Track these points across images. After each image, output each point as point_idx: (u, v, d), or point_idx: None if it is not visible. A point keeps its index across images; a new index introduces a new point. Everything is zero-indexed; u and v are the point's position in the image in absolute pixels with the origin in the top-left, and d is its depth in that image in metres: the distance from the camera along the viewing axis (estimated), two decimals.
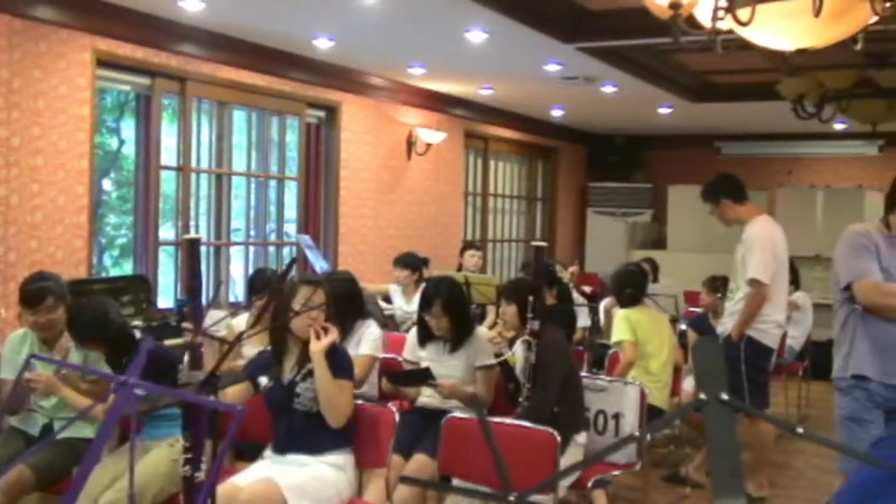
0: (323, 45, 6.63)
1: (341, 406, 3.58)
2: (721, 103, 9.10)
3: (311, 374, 3.60)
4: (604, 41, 6.44)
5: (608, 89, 8.32)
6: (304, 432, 3.61)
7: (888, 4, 3.23)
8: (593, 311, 6.97)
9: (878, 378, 3.64)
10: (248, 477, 3.49)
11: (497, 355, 4.25)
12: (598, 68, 7.29)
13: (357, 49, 6.92)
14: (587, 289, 8.10)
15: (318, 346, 3.54)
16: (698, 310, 7.08)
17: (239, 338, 2.98)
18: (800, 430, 0.97)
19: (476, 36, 6.19)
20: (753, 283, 5.09)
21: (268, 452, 3.72)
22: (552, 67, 7.29)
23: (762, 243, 5.15)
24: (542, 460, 3.51)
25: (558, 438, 3.55)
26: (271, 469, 3.54)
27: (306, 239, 6.93)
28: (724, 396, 0.88)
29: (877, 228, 3.74)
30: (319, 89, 7.57)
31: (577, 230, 12.42)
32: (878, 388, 3.62)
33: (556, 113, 10.33)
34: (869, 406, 3.65)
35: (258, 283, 5.08)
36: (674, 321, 6.45)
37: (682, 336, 6.56)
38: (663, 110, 9.72)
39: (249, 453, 4.06)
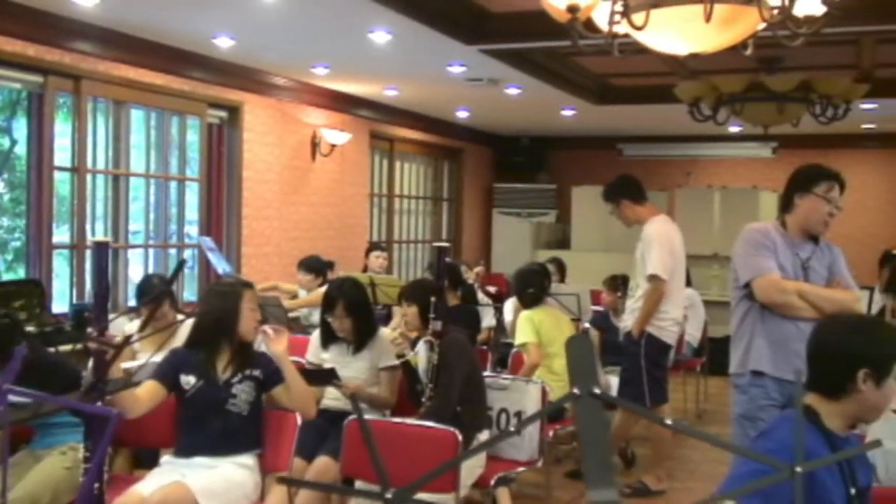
0: (224, 43, 6.52)
1: (310, 398, 3.74)
2: (622, 105, 9.29)
3: (250, 377, 3.59)
4: (506, 43, 6.51)
5: (512, 91, 8.40)
6: (234, 432, 3.56)
7: (775, 11, 3.36)
8: (498, 311, 7.03)
9: (774, 373, 3.74)
10: (154, 483, 3.40)
11: (399, 356, 4.25)
12: (501, 70, 7.36)
13: (259, 48, 6.84)
14: (492, 289, 8.16)
15: (280, 347, 3.58)
16: (601, 308, 7.21)
17: (126, 342, 2.91)
18: (668, 420, 0.99)
19: (379, 37, 6.18)
20: (653, 279, 5.22)
21: (168, 458, 3.63)
22: (456, 69, 7.33)
23: (660, 241, 5.29)
24: (445, 459, 3.52)
25: (460, 437, 3.57)
26: (178, 472, 3.46)
27: (208, 241, 6.80)
28: (596, 390, 0.90)
29: (774, 227, 3.86)
30: (221, 89, 7.45)
31: (483, 231, 12.52)
32: (774, 384, 3.73)
33: (462, 114, 10.39)
34: (764, 405, 3.75)
35: (146, 289, 4.96)
36: (577, 320, 6.56)
37: (584, 335, 6.68)
38: (566, 112, 9.87)
39: (150, 459, 3.97)
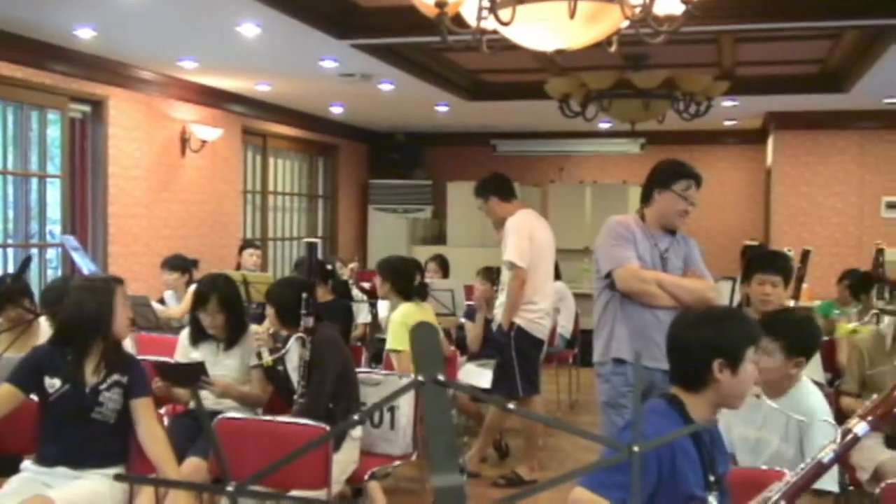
0: (85, 34, 6.28)
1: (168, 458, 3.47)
2: (495, 102, 9.39)
3: (118, 384, 3.42)
4: (377, 38, 6.48)
5: (386, 87, 8.39)
6: (97, 443, 3.40)
7: (637, 9, 3.45)
8: (374, 307, 7.01)
9: (634, 361, 3.87)
10: (13, 494, 3.23)
11: (258, 355, 4.23)
12: (374, 66, 7.33)
13: (122, 40, 6.61)
14: (366, 285, 8.12)
15: None
16: (474, 303, 7.25)
17: None
18: (511, 405, 1.00)
19: (248, 30, 6.07)
20: (510, 266, 5.34)
21: (28, 464, 3.46)
22: (328, 64, 7.27)
23: (518, 230, 5.41)
24: (317, 456, 3.49)
25: None
26: (40, 483, 3.30)
27: (71, 240, 6.53)
28: (441, 377, 0.89)
29: (634, 220, 3.97)
30: (83, 82, 7.17)
31: (359, 227, 12.47)
32: (634, 371, 3.85)
33: (336, 110, 10.32)
34: (625, 391, 3.86)
35: None
36: (451, 315, 6.60)
37: (460, 329, 6.73)
38: (440, 108, 9.92)
39: (10, 466, 3.77)
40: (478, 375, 6.03)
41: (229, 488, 0.85)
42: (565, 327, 7.62)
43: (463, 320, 6.79)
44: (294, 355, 4.19)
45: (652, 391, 3.80)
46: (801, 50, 7.53)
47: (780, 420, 3.19)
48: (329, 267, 6.41)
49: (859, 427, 2.26)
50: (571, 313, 7.75)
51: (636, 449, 0.88)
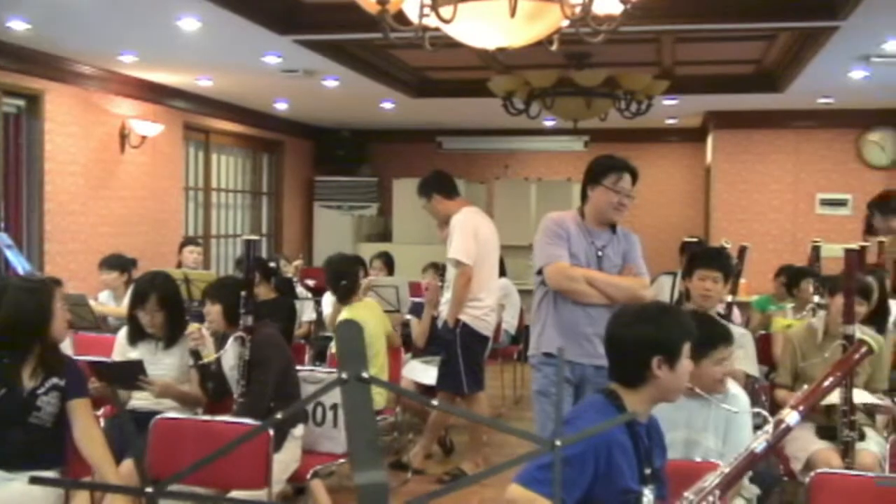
0: (18, 27, 6.14)
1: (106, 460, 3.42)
2: (440, 99, 9.39)
3: (55, 387, 3.36)
4: (320, 34, 6.44)
5: (330, 83, 8.34)
6: (34, 446, 3.33)
7: (577, 9, 3.48)
8: (318, 305, 6.98)
9: (558, 356, 3.89)
10: None
11: (193, 353, 4.20)
12: (317, 62, 7.29)
13: (59, 34, 6.48)
14: (311, 282, 8.08)
15: None
16: (420, 300, 7.27)
17: None
18: (434, 402, 1.00)
19: (188, 24, 5.99)
20: (455, 263, 5.37)
21: None
22: (271, 59, 7.20)
23: (463, 227, 5.43)
24: (256, 456, 3.47)
25: (272, 433, 3.52)
26: None
27: (4, 238, 6.40)
28: (364, 374, 0.90)
29: (573, 217, 4.01)
30: (17, 76, 7.01)
31: (304, 224, 12.39)
32: (565, 365, 3.90)
33: (280, 106, 10.23)
34: (556, 381, 3.92)
35: None
36: (396, 312, 6.59)
37: (405, 326, 6.73)
38: (386, 105, 9.90)
39: None
40: (422, 372, 6.04)
41: (148, 489, 0.84)
42: (510, 323, 7.67)
43: (408, 317, 6.80)
44: (231, 354, 4.16)
45: (584, 386, 3.87)
46: (738, 50, 7.66)
47: (704, 414, 3.23)
48: (272, 265, 6.37)
49: (791, 417, 2.32)
50: (516, 309, 7.80)
51: (558, 443, 0.89)
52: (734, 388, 3.30)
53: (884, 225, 6.14)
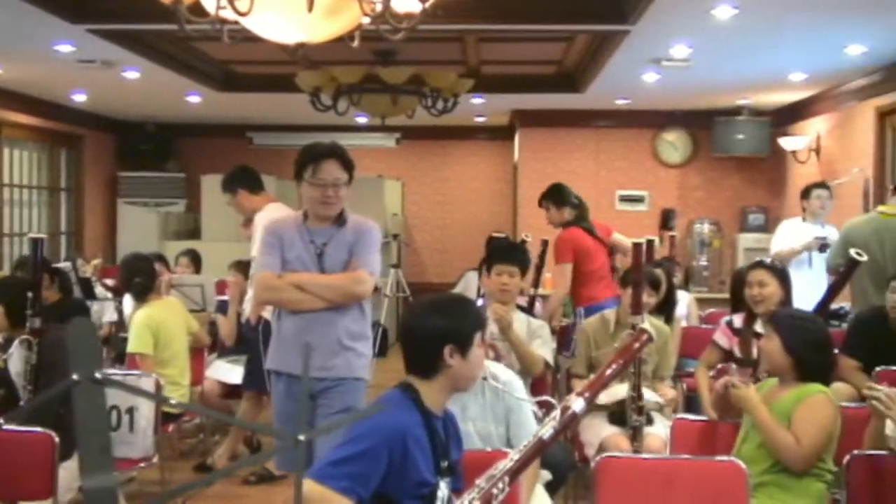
0: None
1: None
2: (247, 93, 9.22)
3: None
4: (115, 24, 6.18)
5: (130, 74, 8.02)
6: None
7: (377, 6, 3.49)
8: (119, 305, 6.70)
9: (283, 369, 3.78)
10: None
11: None
12: (115, 52, 6.99)
13: None
14: (110, 282, 7.75)
15: None
16: (226, 298, 7.11)
17: None
18: (173, 401, 0.99)
19: None
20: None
21: None
22: (64, 48, 6.84)
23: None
24: (41, 464, 3.30)
25: (56, 440, 3.36)
26: None
27: None
28: (98, 376, 0.87)
29: (295, 219, 3.84)
30: None
31: (108, 222, 11.87)
32: (286, 380, 3.78)
33: (79, 98, 9.74)
34: (287, 402, 3.78)
35: None
36: (202, 311, 6.43)
37: (212, 325, 6.57)
38: (192, 98, 9.62)
39: None
40: (228, 371, 5.93)
41: None
42: None
43: (215, 315, 6.65)
44: (17, 359, 3.94)
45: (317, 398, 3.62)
46: (540, 51, 7.93)
47: (480, 401, 3.33)
48: (57, 266, 6.05)
49: (576, 403, 2.42)
50: None
51: (301, 438, 0.90)
52: (505, 373, 3.42)
53: (557, 216, 6.47)
